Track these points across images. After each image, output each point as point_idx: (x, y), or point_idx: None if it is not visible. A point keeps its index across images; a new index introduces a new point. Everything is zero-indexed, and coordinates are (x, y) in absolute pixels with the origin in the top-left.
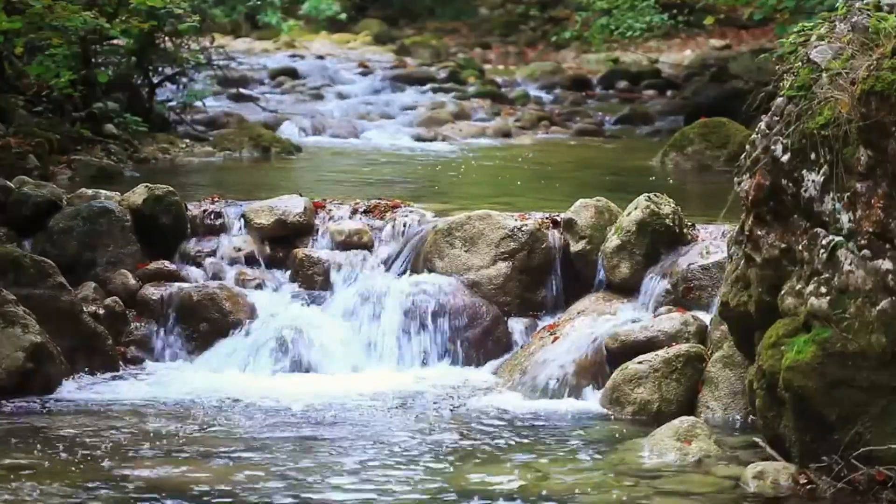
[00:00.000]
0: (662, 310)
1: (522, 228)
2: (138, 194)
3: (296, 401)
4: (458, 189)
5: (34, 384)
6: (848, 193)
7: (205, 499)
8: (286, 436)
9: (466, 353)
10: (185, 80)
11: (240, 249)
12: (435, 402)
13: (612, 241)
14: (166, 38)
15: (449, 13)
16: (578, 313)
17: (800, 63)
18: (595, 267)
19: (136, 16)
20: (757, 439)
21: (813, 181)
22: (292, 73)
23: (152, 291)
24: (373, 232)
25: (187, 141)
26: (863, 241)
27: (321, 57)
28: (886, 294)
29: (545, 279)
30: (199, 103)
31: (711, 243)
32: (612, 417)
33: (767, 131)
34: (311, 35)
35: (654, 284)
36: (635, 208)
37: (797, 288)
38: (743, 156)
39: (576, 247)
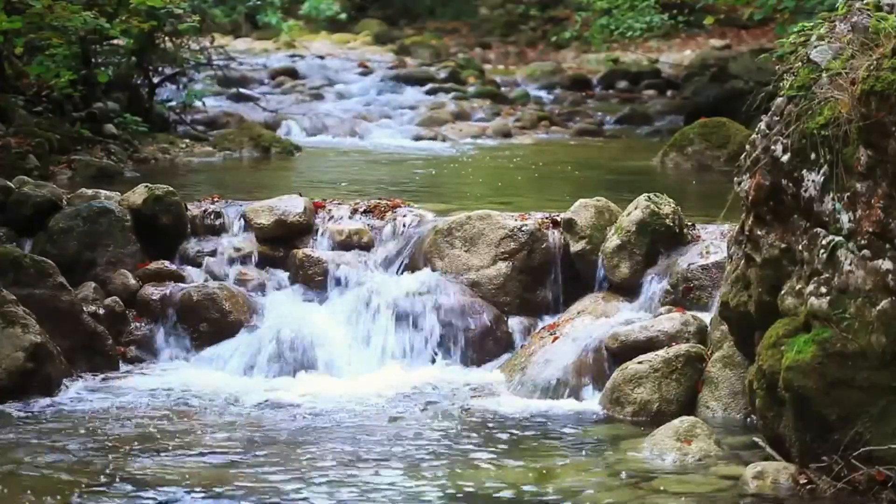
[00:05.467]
0: (662, 310)
1: (522, 228)
2: (138, 194)
3: (295, 401)
4: (458, 189)
5: (34, 384)
6: (848, 193)
7: (205, 498)
8: (285, 436)
9: (466, 353)
10: (185, 80)
11: (240, 249)
12: (435, 403)
13: (612, 241)
14: (166, 38)
15: (449, 13)
16: (578, 313)
17: (800, 63)
18: (595, 267)
19: (136, 16)
20: (757, 439)
21: (813, 181)
22: (292, 73)
23: (152, 291)
24: (373, 232)
25: (187, 141)
26: (863, 241)
27: (321, 57)
28: (886, 294)
29: (545, 279)
30: (199, 103)
31: (711, 243)
32: (612, 417)
33: (767, 131)
34: (311, 35)
35: (654, 284)
36: (635, 208)
37: (797, 288)
38: (743, 156)
39: (576, 247)
